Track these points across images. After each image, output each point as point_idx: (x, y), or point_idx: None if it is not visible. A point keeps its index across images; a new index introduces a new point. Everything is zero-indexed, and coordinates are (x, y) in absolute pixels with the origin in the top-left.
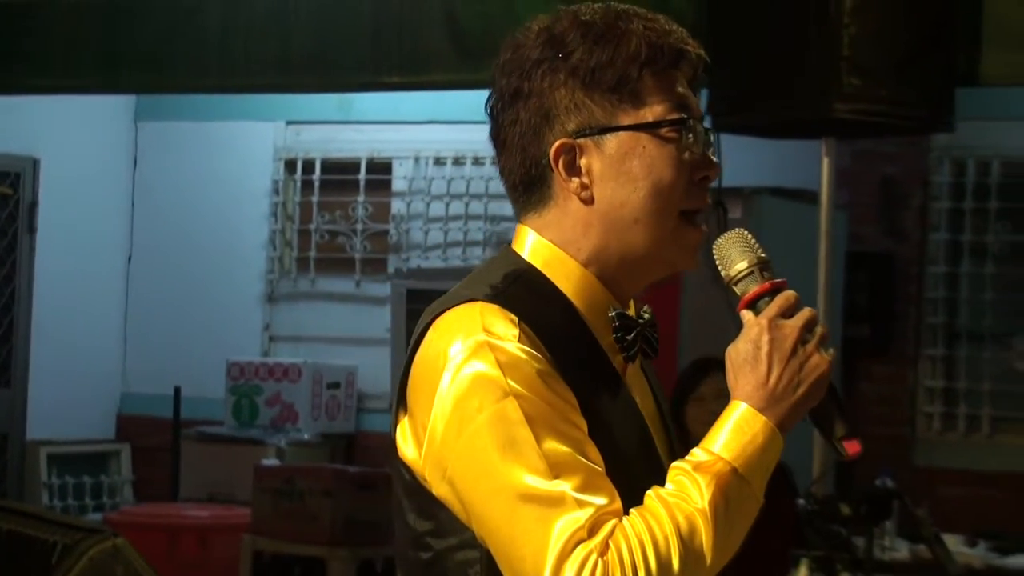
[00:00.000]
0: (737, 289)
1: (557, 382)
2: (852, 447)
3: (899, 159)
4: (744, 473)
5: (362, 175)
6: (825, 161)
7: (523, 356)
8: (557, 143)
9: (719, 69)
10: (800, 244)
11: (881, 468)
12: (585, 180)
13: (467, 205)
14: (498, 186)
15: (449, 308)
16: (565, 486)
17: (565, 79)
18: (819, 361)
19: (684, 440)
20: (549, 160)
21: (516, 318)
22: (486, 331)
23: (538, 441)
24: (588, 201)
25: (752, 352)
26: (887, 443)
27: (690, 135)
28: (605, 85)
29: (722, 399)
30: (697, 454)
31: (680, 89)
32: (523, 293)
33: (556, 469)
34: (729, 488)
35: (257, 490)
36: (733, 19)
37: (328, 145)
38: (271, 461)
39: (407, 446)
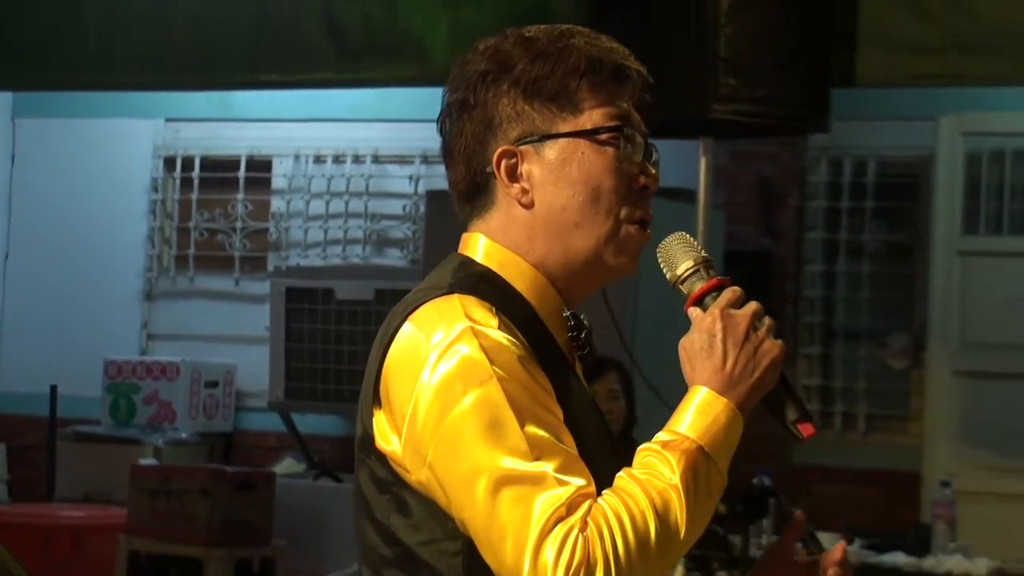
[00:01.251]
0: (683, 288)
1: (536, 369)
2: (806, 429)
3: (776, 159)
4: (710, 451)
5: (242, 173)
6: (703, 161)
7: (505, 342)
8: (499, 150)
9: None
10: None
11: (759, 467)
12: (526, 185)
13: (347, 203)
14: (379, 183)
15: (423, 303)
16: (546, 467)
17: (508, 89)
18: (771, 346)
19: None
20: (492, 167)
21: (494, 308)
22: (468, 318)
23: (520, 424)
24: (529, 206)
25: (707, 340)
26: (765, 441)
27: (628, 145)
28: (546, 95)
29: (613, 400)
30: (663, 435)
31: (620, 102)
32: (490, 290)
33: (537, 451)
34: (697, 464)
35: (133, 490)
36: (613, 19)
37: (208, 142)
38: (148, 461)
39: (385, 439)
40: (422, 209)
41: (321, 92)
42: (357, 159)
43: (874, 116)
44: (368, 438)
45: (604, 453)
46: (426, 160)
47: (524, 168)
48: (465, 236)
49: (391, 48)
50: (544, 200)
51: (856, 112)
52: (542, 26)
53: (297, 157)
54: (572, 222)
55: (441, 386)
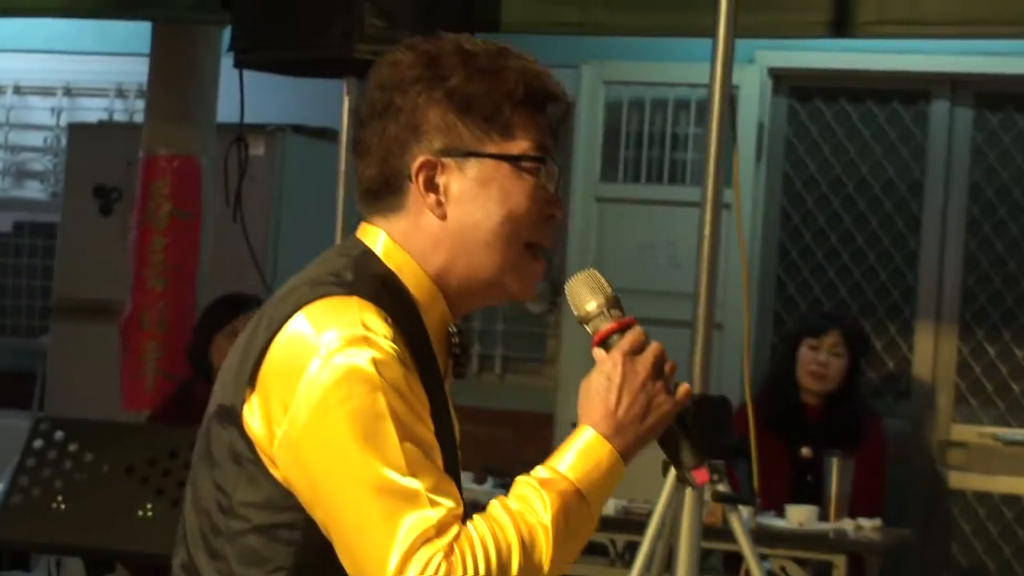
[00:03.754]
0: (588, 328)
1: (418, 386)
2: (700, 476)
3: None
4: (586, 494)
5: None
6: (346, 100)
7: (394, 355)
8: (421, 158)
9: (244, 5)
10: (322, 182)
11: None
12: (442, 198)
13: None
14: (19, 115)
15: (320, 297)
16: (420, 485)
17: (440, 99)
18: (665, 399)
19: (208, 373)
20: (411, 173)
21: (390, 319)
22: (364, 326)
23: (400, 439)
24: (442, 218)
25: (605, 384)
26: None
27: (546, 175)
28: (479, 113)
29: None
30: (543, 472)
31: (544, 131)
32: (389, 296)
33: (412, 467)
34: (571, 507)
35: None
36: None
37: None
38: None
39: (254, 420)
40: (63, 142)
41: None
42: None
43: None
44: (234, 412)
45: (452, 469)
46: (69, 92)
47: (443, 180)
48: (365, 226)
49: None
50: (458, 215)
51: None
52: (479, 40)
53: None
54: (483, 241)
55: (326, 390)
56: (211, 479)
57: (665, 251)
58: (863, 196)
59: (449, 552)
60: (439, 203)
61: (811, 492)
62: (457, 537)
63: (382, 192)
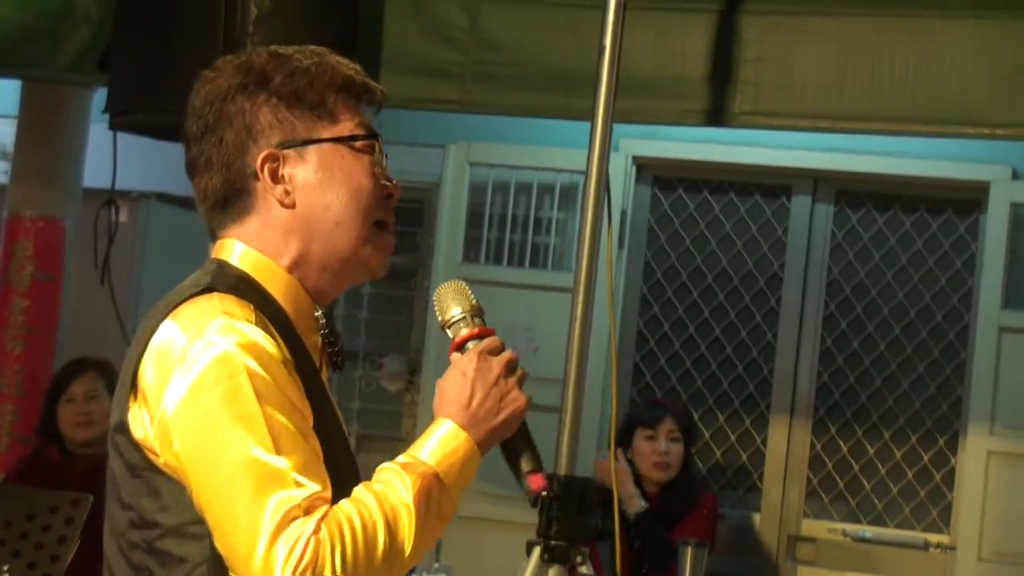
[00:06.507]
0: (450, 332)
1: (289, 369)
2: (536, 481)
3: None
4: (444, 479)
5: None
6: None
7: (259, 340)
8: (263, 153)
9: (121, 66)
10: (186, 250)
11: None
12: (288, 187)
13: None
14: None
15: (183, 301)
16: (286, 464)
17: (268, 99)
18: (517, 396)
19: (60, 441)
20: (255, 171)
21: (252, 306)
22: (226, 314)
23: (266, 419)
24: (291, 206)
25: (460, 379)
26: None
27: (379, 154)
28: (306, 105)
29: (93, 400)
30: (403, 458)
31: (366, 116)
32: (248, 290)
33: (279, 447)
34: (431, 489)
35: None
36: (139, 18)
37: None
38: None
39: (137, 428)
40: None
41: None
42: None
43: (389, 140)
44: (123, 426)
45: (344, 456)
46: None
47: (286, 171)
48: (219, 243)
49: None
50: (307, 201)
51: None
52: (291, 47)
53: None
54: (334, 221)
55: (195, 379)
56: (118, 502)
57: (524, 334)
58: (722, 287)
59: (317, 530)
60: (287, 192)
61: None
62: (324, 517)
63: (230, 199)
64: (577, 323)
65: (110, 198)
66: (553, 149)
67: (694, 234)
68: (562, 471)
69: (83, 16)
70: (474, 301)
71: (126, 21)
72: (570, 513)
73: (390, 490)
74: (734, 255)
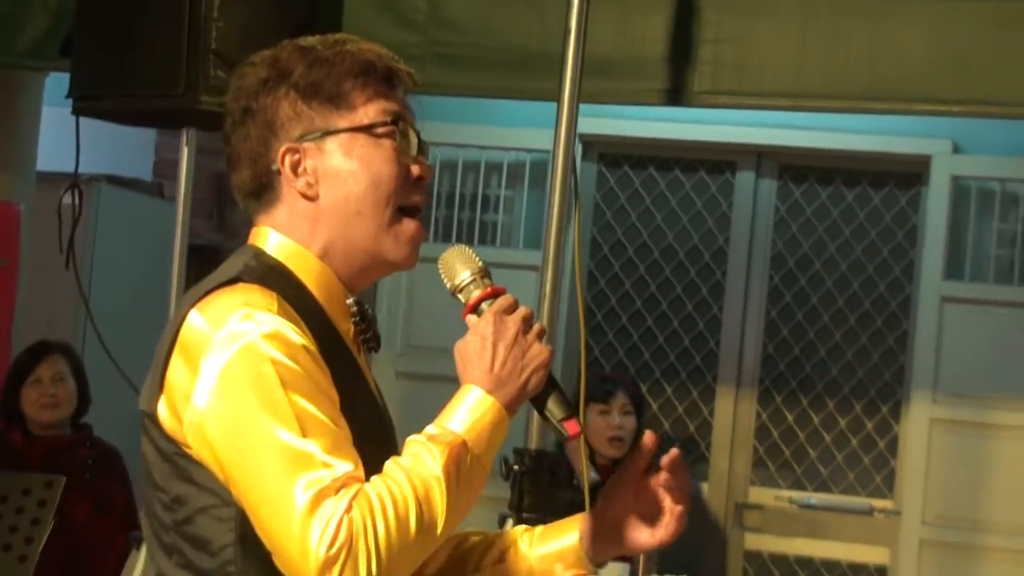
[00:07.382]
0: (461, 296)
1: (313, 355)
2: (572, 427)
3: None
4: (474, 447)
5: None
6: (185, 152)
7: (281, 328)
8: (283, 148)
9: (84, 52)
10: (135, 232)
11: None
12: (310, 179)
13: None
14: None
15: (209, 293)
16: (314, 446)
17: (287, 93)
18: (540, 350)
19: (22, 423)
20: (277, 166)
21: (275, 295)
22: (247, 304)
23: (292, 405)
24: (314, 198)
25: (479, 343)
26: None
27: (403, 138)
28: (323, 95)
29: (60, 383)
30: (431, 429)
31: (393, 100)
32: (276, 280)
33: (306, 430)
34: (461, 458)
35: None
36: (104, 7)
37: None
38: None
39: (168, 419)
40: None
41: None
42: None
43: None
44: (152, 416)
45: (379, 440)
46: None
47: (307, 163)
48: (255, 230)
49: None
50: (328, 192)
51: None
52: (316, 36)
53: None
54: (354, 210)
55: (222, 371)
56: (151, 484)
57: None
58: (668, 262)
59: (349, 509)
60: (309, 185)
61: None
62: (356, 496)
63: (260, 192)
64: (546, 300)
65: (74, 182)
66: (500, 128)
67: (640, 210)
68: (532, 445)
69: (41, 2)
70: (480, 263)
71: (89, 5)
72: (541, 487)
73: (419, 464)
74: (680, 230)
